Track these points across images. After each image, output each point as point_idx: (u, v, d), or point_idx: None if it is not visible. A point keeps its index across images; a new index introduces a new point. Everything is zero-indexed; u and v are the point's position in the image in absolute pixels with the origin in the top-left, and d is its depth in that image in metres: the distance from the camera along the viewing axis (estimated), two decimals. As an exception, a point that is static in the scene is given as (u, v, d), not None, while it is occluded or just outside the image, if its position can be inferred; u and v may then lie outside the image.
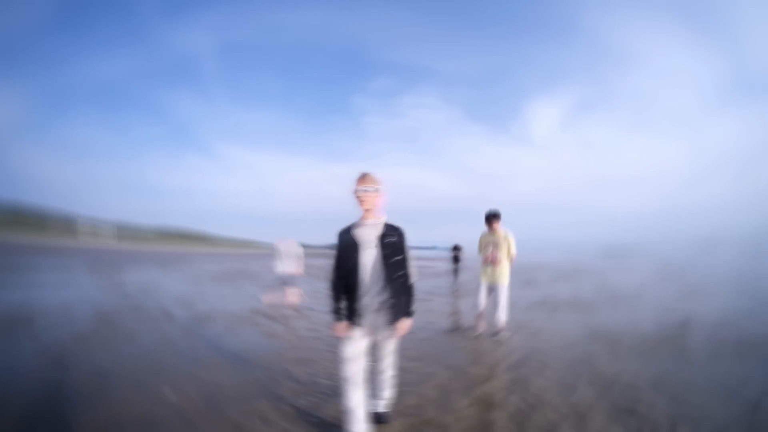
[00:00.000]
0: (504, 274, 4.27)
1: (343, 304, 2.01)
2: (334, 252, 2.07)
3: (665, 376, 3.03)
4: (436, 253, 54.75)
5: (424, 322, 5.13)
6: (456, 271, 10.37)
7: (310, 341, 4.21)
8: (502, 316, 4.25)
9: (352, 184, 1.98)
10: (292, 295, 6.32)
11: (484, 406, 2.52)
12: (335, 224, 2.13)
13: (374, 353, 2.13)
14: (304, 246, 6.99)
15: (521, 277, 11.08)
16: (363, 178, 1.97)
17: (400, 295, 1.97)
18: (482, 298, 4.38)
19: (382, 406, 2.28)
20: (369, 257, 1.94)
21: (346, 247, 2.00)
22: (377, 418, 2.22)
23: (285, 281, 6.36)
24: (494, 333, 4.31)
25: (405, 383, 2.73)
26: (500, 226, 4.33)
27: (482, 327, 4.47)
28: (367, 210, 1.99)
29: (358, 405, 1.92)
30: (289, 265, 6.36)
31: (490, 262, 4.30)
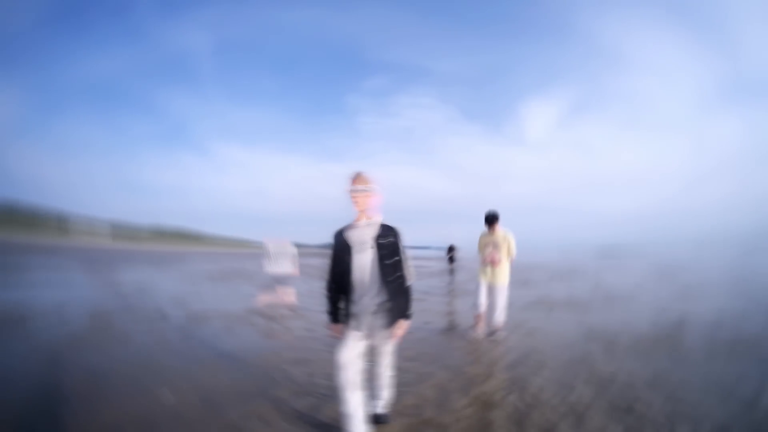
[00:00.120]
0: (503, 274, 4.29)
1: (339, 305, 1.99)
2: (329, 253, 2.06)
3: (662, 374, 3.06)
4: (430, 252, 54.81)
5: (421, 321, 5.13)
6: (452, 271, 10.41)
7: (307, 341, 4.19)
8: (501, 316, 4.27)
9: (346, 183, 1.97)
10: (287, 295, 6.27)
11: (483, 405, 2.52)
12: (330, 223, 2.11)
13: (372, 355, 2.12)
14: (299, 245, 6.91)
15: (517, 276, 11.11)
16: (356, 177, 1.95)
17: (397, 296, 1.95)
18: (482, 298, 4.39)
19: (381, 406, 2.27)
20: (365, 259, 1.92)
21: (340, 249, 1.98)
22: (376, 419, 2.22)
23: (278, 281, 6.30)
24: (492, 332, 4.33)
25: (403, 383, 2.73)
26: (500, 227, 4.34)
27: (482, 327, 4.48)
28: (361, 210, 1.97)
29: (356, 408, 1.90)
30: (281, 264, 6.27)
31: (490, 262, 4.32)
